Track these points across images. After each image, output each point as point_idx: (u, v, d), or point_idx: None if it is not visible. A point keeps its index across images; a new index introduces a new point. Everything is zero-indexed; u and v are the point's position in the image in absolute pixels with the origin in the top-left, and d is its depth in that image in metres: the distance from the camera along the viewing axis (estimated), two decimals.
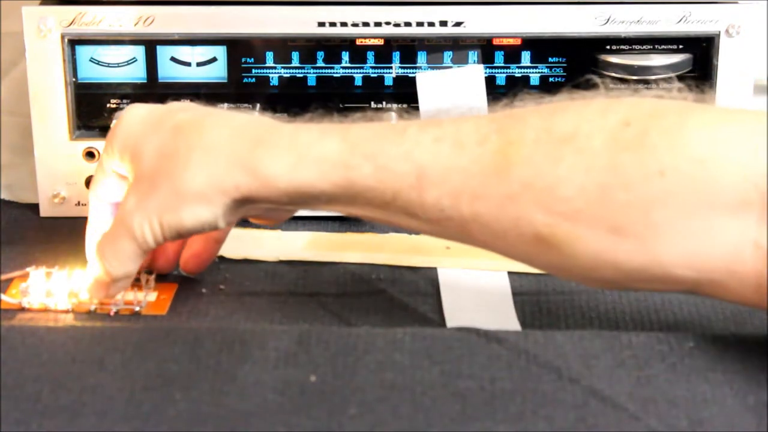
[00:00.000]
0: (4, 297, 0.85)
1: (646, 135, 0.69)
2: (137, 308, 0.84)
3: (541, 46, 0.94)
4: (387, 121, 0.80)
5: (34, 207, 0.98)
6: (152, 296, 0.86)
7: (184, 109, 0.80)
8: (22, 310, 0.84)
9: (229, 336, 0.74)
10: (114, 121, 0.87)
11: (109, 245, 0.80)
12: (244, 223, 0.96)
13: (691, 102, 0.74)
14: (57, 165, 0.95)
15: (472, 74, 0.93)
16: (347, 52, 0.94)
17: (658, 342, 0.74)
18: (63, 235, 0.94)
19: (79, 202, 0.96)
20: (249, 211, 0.79)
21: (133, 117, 0.80)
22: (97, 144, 0.95)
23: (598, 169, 0.69)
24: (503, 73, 0.95)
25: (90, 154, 0.95)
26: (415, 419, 0.67)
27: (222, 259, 0.91)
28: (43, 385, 0.69)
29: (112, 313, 0.84)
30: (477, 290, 0.87)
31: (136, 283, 0.85)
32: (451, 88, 0.93)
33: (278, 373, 0.71)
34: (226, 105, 0.95)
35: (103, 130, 0.94)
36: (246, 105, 0.95)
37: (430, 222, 0.74)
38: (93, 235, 0.84)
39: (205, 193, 0.76)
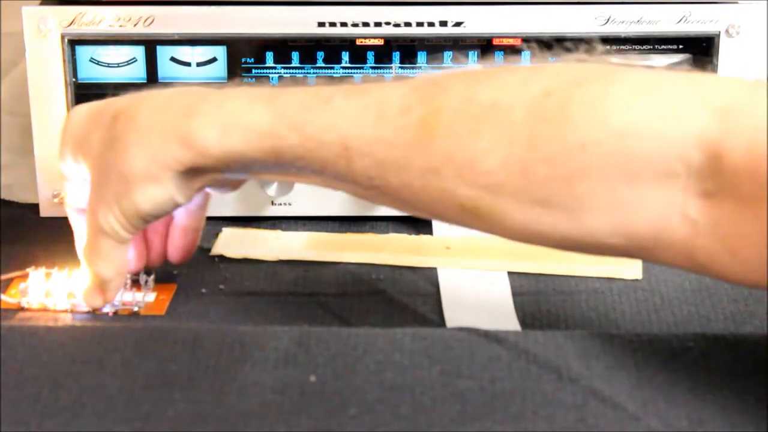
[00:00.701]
0: (3, 297, 0.85)
1: (567, 107, 0.67)
2: (135, 308, 0.84)
3: (541, 46, 0.94)
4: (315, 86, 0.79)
5: (34, 207, 0.98)
6: (151, 297, 0.86)
7: (121, 98, 0.80)
8: (21, 309, 0.84)
9: (229, 336, 0.74)
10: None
11: (89, 248, 0.81)
12: (243, 222, 0.96)
13: (616, 66, 0.71)
14: (57, 165, 0.95)
15: None
16: (347, 52, 0.94)
17: (658, 342, 0.74)
18: (63, 235, 0.94)
19: None
20: (202, 181, 0.78)
21: (77, 117, 0.81)
22: None
23: (519, 143, 0.68)
24: None
25: None
26: (415, 419, 0.67)
27: (222, 258, 0.91)
28: (43, 385, 0.69)
29: (110, 314, 0.84)
30: (477, 290, 0.87)
31: (135, 284, 0.85)
32: None
33: (278, 373, 0.71)
34: None
35: None
36: None
37: (364, 188, 0.73)
38: (80, 245, 0.84)
39: (150, 172, 0.76)
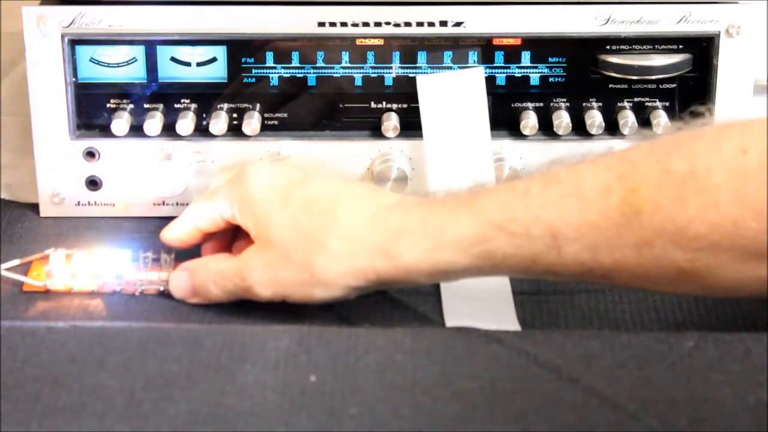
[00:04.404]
0: (27, 280, 0.85)
1: (766, 161, 0.70)
2: (161, 288, 0.85)
3: (541, 46, 0.94)
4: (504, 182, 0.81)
5: (34, 207, 0.98)
6: None
7: (307, 178, 0.82)
8: (47, 292, 0.85)
9: (229, 336, 0.74)
10: (222, 176, 0.87)
11: (213, 282, 0.83)
12: None
13: None
14: (57, 165, 0.95)
15: (473, 77, 0.93)
16: (347, 52, 0.94)
17: (658, 342, 0.74)
18: (63, 235, 0.94)
19: (78, 202, 0.96)
20: (385, 287, 0.83)
21: (257, 183, 0.82)
22: (97, 144, 0.95)
23: (726, 203, 0.70)
24: (503, 73, 0.95)
25: (90, 154, 0.95)
26: (415, 419, 0.67)
27: None
28: (43, 385, 0.69)
29: (137, 293, 0.85)
30: (477, 290, 0.87)
31: (156, 263, 0.87)
32: (451, 91, 0.93)
33: (278, 373, 0.71)
34: (226, 105, 0.95)
35: (103, 130, 0.95)
36: (246, 105, 0.95)
37: (576, 273, 0.75)
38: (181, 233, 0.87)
39: (344, 280, 0.79)
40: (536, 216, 0.75)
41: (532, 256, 0.75)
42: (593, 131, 0.94)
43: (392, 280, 0.79)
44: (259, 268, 0.81)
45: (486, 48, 0.94)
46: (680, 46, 0.94)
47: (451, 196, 0.79)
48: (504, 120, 0.95)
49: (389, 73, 0.95)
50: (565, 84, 0.95)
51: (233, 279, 0.82)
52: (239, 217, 0.83)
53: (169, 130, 0.94)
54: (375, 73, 0.95)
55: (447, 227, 0.77)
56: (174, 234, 0.86)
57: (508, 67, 0.95)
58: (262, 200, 0.81)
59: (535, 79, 0.95)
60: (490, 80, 0.94)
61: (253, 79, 0.95)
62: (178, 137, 0.94)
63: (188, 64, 0.95)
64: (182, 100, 0.95)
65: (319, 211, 0.79)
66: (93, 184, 0.96)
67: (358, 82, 0.95)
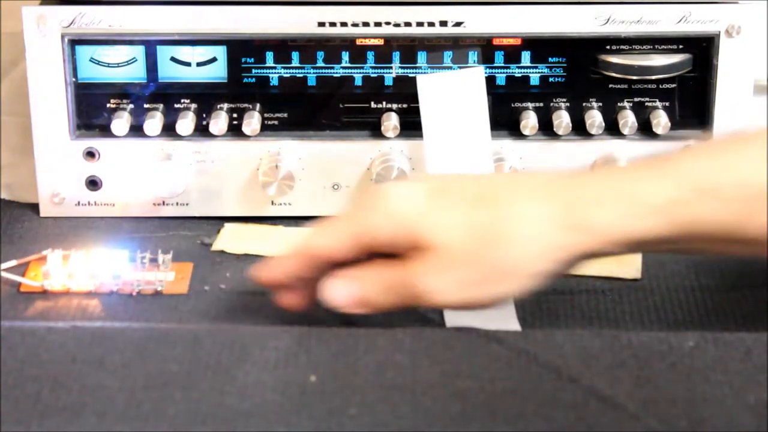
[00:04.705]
0: (24, 281, 0.85)
1: None
2: (159, 288, 0.85)
3: (541, 46, 0.94)
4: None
5: (34, 207, 0.98)
6: (171, 276, 0.87)
7: (445, 181, 0.78)
8: (44, 292, 0.85)
9: (229, 336, 0.74)
10: (353, 205, 0.82)
11: (380, 292, 0.77)
12: (244, 222, 0.96)
13: None
14: (57, 165, 0.95)
15: (473, 76, 0.93)
16: (347, 52, 0.94)
17: (658, 342, 0.74)
18: (63, 235, 0.94)
19: (78, 202, 0.96)
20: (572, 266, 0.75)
21: (400, 199, 0.76)
22: (97, 144, 0.95)
23: None
24: (503, 73, 0.95)
25: (90, 154, 0.95)
26: (415, 419, 0.67)
27: (222, 254, 0.92)
28: (43, 385, 0.69)
29: (134, 293, 0.85)
30: None
31: (153, 263, 0.86)
32: (451, 91, 0.93)
33: (278, 373, 0.71)
34: (226, 105, 0.95)
35: (103, 130, 0.95)
36: (246, 105, 0.95)
37: None
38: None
39: (533, 265, 0.73)
40: (749, 176, 0.70)
41: (737, 220, 0.71)
42: (593, 131, 0.94)
43: (584, 254, 0.73)
44: (431, 275, 0.74)
45: (486, 48, 0.94)
46: (680, 46, 0.94)
47: (636, 163, 0.74)
48: (504, 120, 0.95)
49: (389, 73, 0.95)
50: (565, 84, 0.95)
51: (409, 290, 0.75)
52: (386, 234, 0.75)
53: (169, 130, 0.94)
54: (375, 73, 0.95)
55: (642, 191, 0.72)
56: (280, 268, 0.79)
57: (508, 67, 0.95)
58: (411, 212, 0.75)
59: (535, 79, 0.95)
60: (490, 80, 0.94)
61: (253, 79, 0.95)
62: (178, 137, 0.94)
63: (188, 64, 0.95)
64: (182, 100, 0.95)
65: (487, 205, 0.74)
66: (93, 184, 0.96)
67: (358, 82, 0.95)
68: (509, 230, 0.73)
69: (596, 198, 0.72)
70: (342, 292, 0.77)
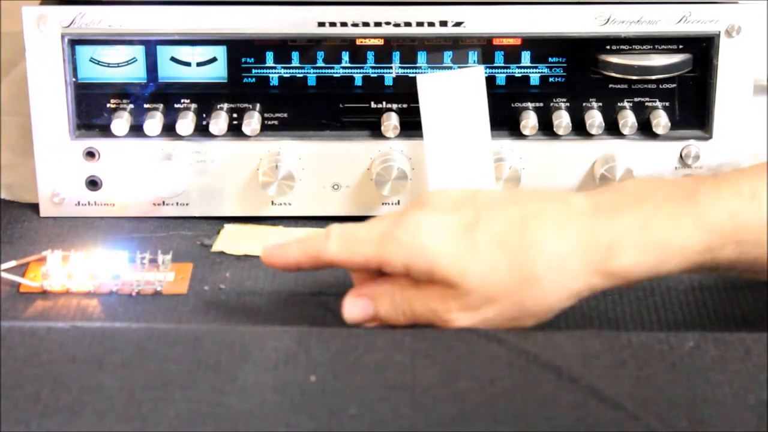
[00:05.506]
0: (24, 281, 0.85)
1: None
2: (158, 288, 0.85)
3: (541, 46, 0.94)
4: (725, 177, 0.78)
5: (34, 207, 0.98)
6: (170, 276, 0.87)
7: (478, 213, 0.77)
8: (44, 293, 0.85)
9: (229, 336, 0.74)
10: (376, 232, 0.79)
11: (402, 314, 0.78)
12: (244, 222, 0.96)
13: None
14: (57, 165, 0.95)
15: (473, 76, 0.93)
16: (347, 52, 0.94)
17: (658, 342, 0.74)
18: (63, 235, 0.94)
19: (78, 202, 0.96)
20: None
21: (431, 238, 0.76)
22: (97, 144, 0.95)
23: None
24: (503, 73, 0.95)
25: (90, 154, 0.95)
26: (415, 419, 0.67)
27: (222, 254, 0.92)
28: (43, 385, 0.69)
29: (134, 293, 0.85)
30: None
31: (153, 263, 0.87)
32: (451, 90, 0.93)
33: (278, 373, 0.71)
34: (226, 105, 0.95)
35: (103, 130, 0.95)
36: (246, 105, 0.95)
37: None
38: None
39: (559, 305, 0.76)
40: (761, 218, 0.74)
41: (755, 258, 0.74)
42: (593, 131, 0.94)
43: (605, 289, 0.77)
44: (461, 312, 0.76)
45: (486, 48, 0.94)
46: (680, 46, 0.94)
47: (662, 197, 0.76)
48: (504, 120, 0.95)
49: (389, 73, 0.95)
50: (565, 84, 0.95)
51: (428, 317, 0.77)
52: (404, 266, 0.76)
53: (169, 130, 0.94)
54: (375, 73, 0.95)
55: (671, 238, 0.74)
56: (288, 259, 0.80)
57: (508, 67, 0.95)
58: (444, 253, 0.75)
59: (535, 79, 0.95)
60: (490, 80, 0.94)
61: (253, 79, 0.95)
62: (178, 137, 0.94)
63: (188, 64, 0.95)
64: (182, 100, 0.95)
65: (514, 246, 0.75)
66: (93, 184, 0.96)
67: (358, 82, 0.95)
68: (539, 274, 0.75)
69: (621, 242, 0.74)
70: (359, 312, 0.79)
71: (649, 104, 0.95)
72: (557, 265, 0.75)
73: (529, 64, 0.95)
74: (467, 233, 0.76)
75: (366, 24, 0.93)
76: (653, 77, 0.94)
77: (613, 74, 0.94)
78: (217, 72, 0.95)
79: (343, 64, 0.95)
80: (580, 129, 0.95)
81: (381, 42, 0.94)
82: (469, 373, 0.71)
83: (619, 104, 0.95)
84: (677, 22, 0.93)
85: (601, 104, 0.95)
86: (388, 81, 0.95)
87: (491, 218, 0.76)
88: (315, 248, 0.79)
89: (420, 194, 0.80)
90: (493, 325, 0.76)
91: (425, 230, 0.76)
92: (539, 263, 0.75)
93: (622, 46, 0.94)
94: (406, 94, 0.95)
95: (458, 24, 0.93)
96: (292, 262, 0.80)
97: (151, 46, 0.94)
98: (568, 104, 0.95)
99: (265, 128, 0.96)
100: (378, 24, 0.93)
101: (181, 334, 0.74)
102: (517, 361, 0.72)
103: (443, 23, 0.93)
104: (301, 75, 0.95)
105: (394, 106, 0.95)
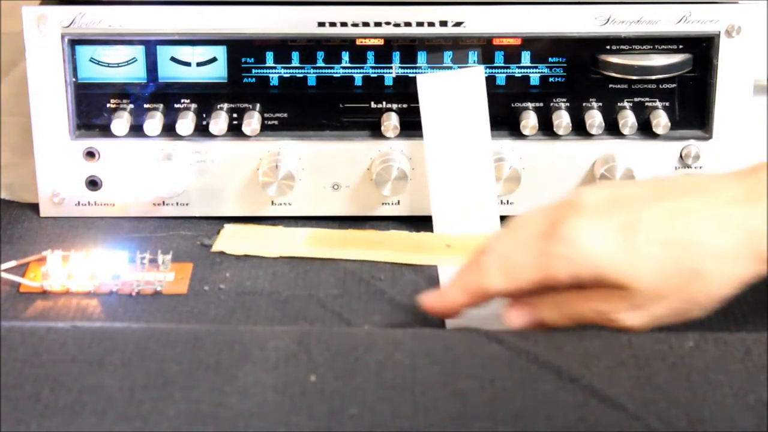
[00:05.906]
0: (24, 281, 0.85)
1: None
2: (158, 288, 0.85)
3: (541, 46, 0.94)
4: None
5: (34, 207, 0.98)
6: (170, 276, 0.87)
7: (633, 212, 0.76)
8: (44, 293, 0.85)
9: (229, 336, 0.74)
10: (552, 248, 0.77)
11: (567, 318, 0.78)
12: (244, 222, 0.96)
13: None
14: (57, 165, 0.95)
15: (473, 76, 0.93)
16: (347, 52, 0.94)
17: (658, 342, 0.74)
18: (63, 235, 0.94)
19: (78, 202, 0.96)
20: None
21: (592, 246, 0.75)
22: (97, 144, 0.95)
23: None
24: (503, 73, 0.95)
25: (90, 154, 0.95)
26: (415, 419, 0.67)
27: (222, 254, 0.92)
28: (43, 385, 0.69)
29: (134, 293, 0.85)
30: None
31: (153, 263, 0.87)
32: (451, 90, 0.93)
33: (278, 373, 0.71)
34: (226, 105, 0.95)
35: (103, 130, 0.95)
36: (246, 105, 0.95)
37: None
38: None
39: (727, 294, 0.76)
40: None
41: None
42: (593, 131, 0.94)
43: (761, 276, 0.76)
44: (629, 312, 0.76)
45: (486, 48, 0.94)
46: (680, 46, 0.94)
47: None
48: (504, 120, 0.95)
49: (389, 73, 0.95)
50: (565, 84, 0.95)
51: (594, 318, 0.77)
52: (572, 278, 0.76)
53: (169, 130, 0.94)
54: (375, 73, 0.95)
55: None
56: (451, 302, 0.80)
57: (508, 67, 0.95)
58: (611, 260, 0.75)
59: (535, 79, 0.95)
60: (490, 80, 0.94)
61: (253, 79, 0.95)
62: (178, 137, 0.94)
63: (188, 64, 0.95)
64: (182, 100, 0.95)
65: (678, 243, 0.75)
66: (93, 184, 0.96)
67: (358, 82, 0.95)
68: (705, 269, 0.75)
69: None
70: (523, 319, 0.78)
71: (649, 104, 0.95)
72: (722, 258, 0.75)
73: (529, 64, 0.95)
74: (630, 235, 0.75)
75: (366, 24, 0.93)
76: (653, 77, 0.94)
77: (613, 74, 0.94)
78: (217, 72, 0.95)
79: (343, 64, 0.95)
80: (580, 129, 0.95)
81: (381, 42, 0.94)
82: (469, 373, 0.71)
83: (619, 104, 0.95)
84: (677, 22, 0.93)
85: (601, 104, 0.95)
86: (388, 81, 0.95)
87: (650, 217, 0.76)
88: (478, 286, 0.78)
89: (566, 197, 0.79)
90: (661, 320, 0.76)
91: (586, 240, 0.75)
92: (705, 258, 0.75)
93: (622, 46, 0.94)
94: (406, 94, 0.95)
95: (458, 24, 0.93)
96: (458, 305, 0.80)
97: (151, 46, 0.94)
98: (568, 104, 0.95)
99: (265, 128, 0.96)
100: (378, 24, 0.93)
101: (181, 334, 0.74)
102: (517, 361, 0.72)
103: (443, 23, 0.93)
104: (301, 75, 0.95)
105: (394, 106, 0.95)
